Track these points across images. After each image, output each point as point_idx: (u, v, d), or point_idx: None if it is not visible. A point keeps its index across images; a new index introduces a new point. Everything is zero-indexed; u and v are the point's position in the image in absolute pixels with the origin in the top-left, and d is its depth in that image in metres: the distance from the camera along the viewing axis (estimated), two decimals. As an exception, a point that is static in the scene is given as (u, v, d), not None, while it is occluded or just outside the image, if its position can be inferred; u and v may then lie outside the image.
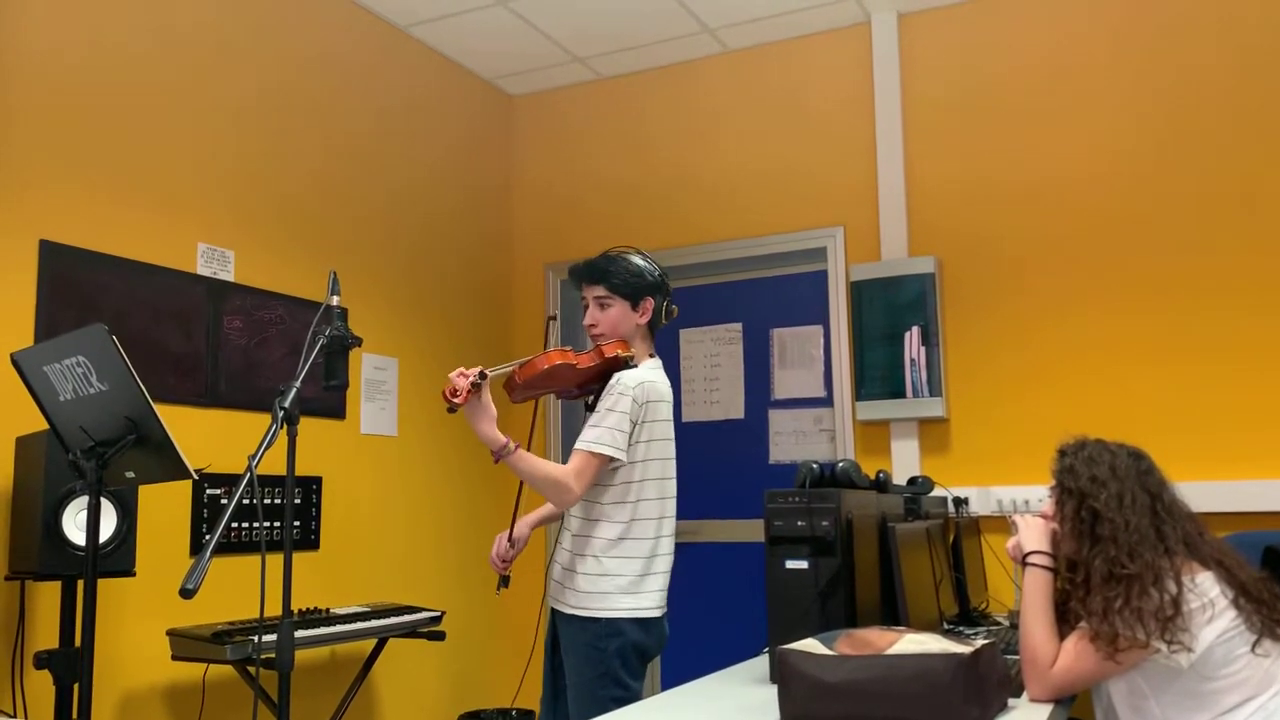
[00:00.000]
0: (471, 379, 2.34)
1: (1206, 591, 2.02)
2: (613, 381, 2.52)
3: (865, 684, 1.73)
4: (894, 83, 4.11)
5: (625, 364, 2.55)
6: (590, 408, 2.62)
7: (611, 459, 2.48)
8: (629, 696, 2.45)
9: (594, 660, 2.46)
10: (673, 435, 2.64)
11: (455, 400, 2.32)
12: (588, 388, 2.61)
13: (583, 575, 2.51)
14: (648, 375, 2.56)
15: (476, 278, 4.62)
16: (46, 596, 2.81)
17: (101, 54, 3.09)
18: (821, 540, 2.21)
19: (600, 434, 2.47)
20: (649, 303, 2.64)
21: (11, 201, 2.83)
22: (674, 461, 2.64)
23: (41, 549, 2.51)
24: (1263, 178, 3.53)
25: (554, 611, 2.62)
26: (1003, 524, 3.73)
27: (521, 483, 2.51)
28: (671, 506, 2.61)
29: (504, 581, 2.73)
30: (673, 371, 4.57)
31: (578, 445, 2.48)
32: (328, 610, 3.33)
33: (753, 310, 4.45)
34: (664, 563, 2.57)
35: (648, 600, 2.51)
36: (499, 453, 2.40)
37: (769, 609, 2.23)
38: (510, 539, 2.72)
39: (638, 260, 2.64)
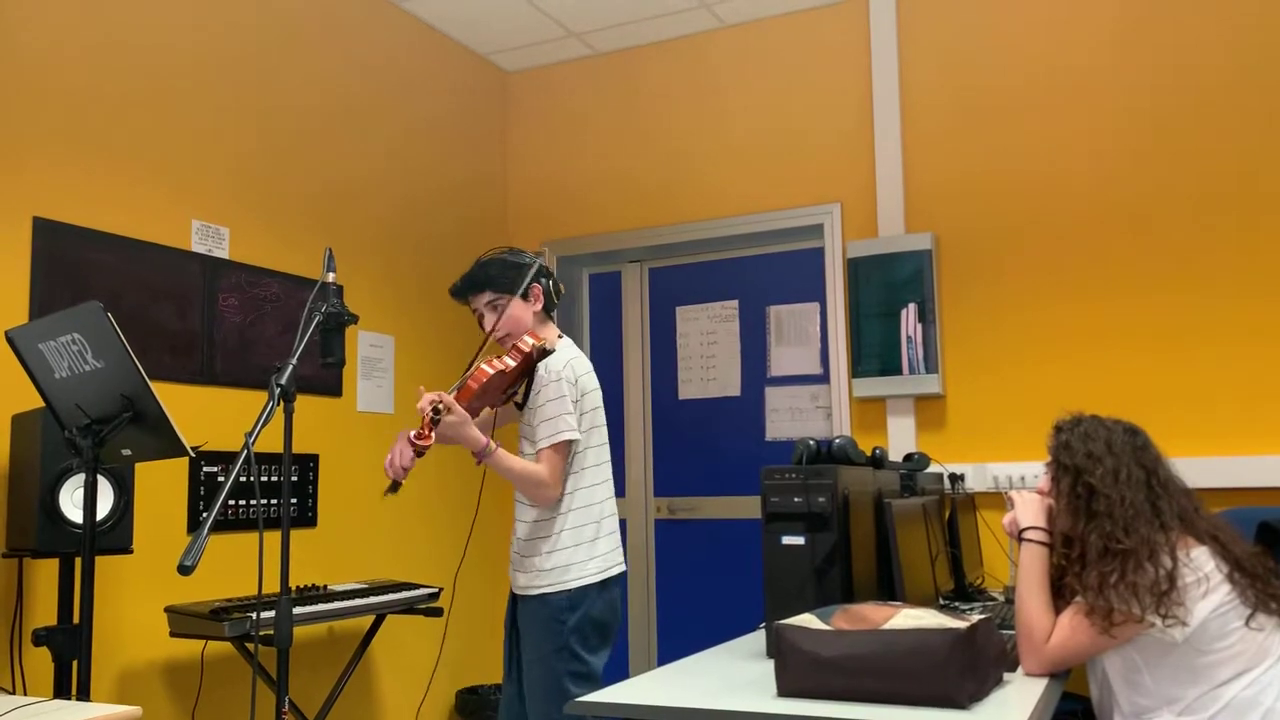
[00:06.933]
0: (428, 413, 2.34)
1: (1201, 566, 2.03)
2: (541, 372, 2.57)
3: (862, 658, 1.74)
4: (891, 59, 4.09)
5: (544, 353, 2.60)
6: (521, 405, 2.65)
7: (572, 442, 2.54)
8: (587, 671, 2.48)
9: (552, 634, 2.49)
10: (602, 404, 2.68)
11: (423, 444, 2.34)
12: (511, 389, 2.65)
13: (541, 555, 2.55)
14: (568, 354, 2.61)
15: (473, 254, 4.60)
16: (44, 574, 2.81)
17: (95, 32, 3.07)
18: (818, 516, 2.22)
19: (555, 424, 2.52)
20: (537, 289, 2.67)
21: (5, 179, 2.81)
22: (606, 429, 2.69)
23: (39, 526, 2.51)
24: (1259, 156, 3.52)
25: (512, 594, 2.66)
26: (998, 500, 3.74)
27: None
28: (610, 471, 2.67)
29: (394, 488, 2.60)
30: (669, 349, 4.57)
31: (540, 444, 2.52)
32: (325, 587, 3.34)
33: (749, 287, 4.44)
34: (611, 523, 2.63)
35: (602, 563, 2.56)
36: (481, 454, 2.43)
37: (766, 585, 2.24)
38: (416, 453, 2.53)
39: (509, 256, 2.67)
